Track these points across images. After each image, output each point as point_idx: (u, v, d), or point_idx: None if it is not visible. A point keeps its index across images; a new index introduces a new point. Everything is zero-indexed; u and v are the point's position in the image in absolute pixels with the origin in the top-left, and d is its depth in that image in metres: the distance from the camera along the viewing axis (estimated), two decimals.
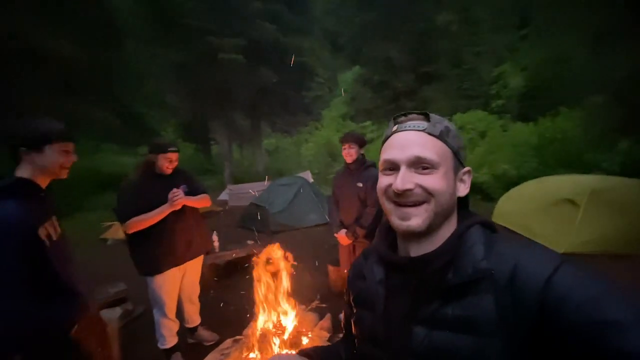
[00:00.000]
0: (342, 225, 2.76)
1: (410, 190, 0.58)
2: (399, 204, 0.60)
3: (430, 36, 7.89)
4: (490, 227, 0.62)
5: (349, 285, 0.77)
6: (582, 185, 4.89)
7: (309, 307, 2.84)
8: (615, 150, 7.48)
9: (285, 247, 2.53)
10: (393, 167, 0.61)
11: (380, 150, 0.68)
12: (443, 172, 0.59)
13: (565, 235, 4.64)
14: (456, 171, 0.62)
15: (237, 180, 10.73)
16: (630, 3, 3.47)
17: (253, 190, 7.63)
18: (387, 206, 0.63)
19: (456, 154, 0.62)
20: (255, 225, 6.05)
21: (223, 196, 9.43)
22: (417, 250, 0.62)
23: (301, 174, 8.66)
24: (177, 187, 2.12)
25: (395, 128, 0.64)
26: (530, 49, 22.19)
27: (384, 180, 0.63)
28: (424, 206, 0.59)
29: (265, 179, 9.75)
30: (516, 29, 26.50)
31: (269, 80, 9.49)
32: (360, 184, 2.59)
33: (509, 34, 25.41)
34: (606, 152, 7.74)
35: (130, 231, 2.01)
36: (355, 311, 0.72)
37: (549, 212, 5.04)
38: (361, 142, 2.61)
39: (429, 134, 0.60)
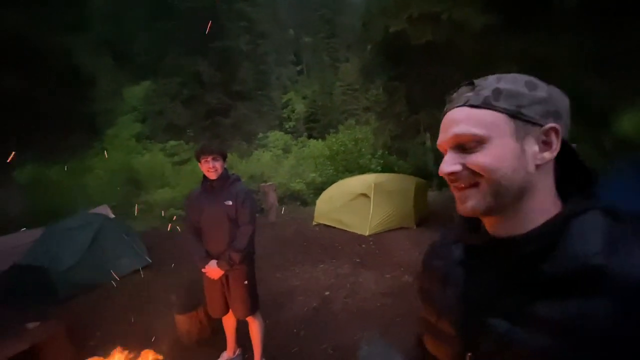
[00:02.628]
0: (209, 255, 2.28)
1: (457, 172, 0.53)
2: (457, 188, 0.55)
3: (235, 57, 8.14)
4: (614, 216, 0.49)
5: (425, 265, 0.71)
6: (367, 181, 6.49)
7: None
8: (376, 156, 10.49)
9: (95, 313, 1.80)
10: (445, 150, 0.56)
11: None
12: (495, 145, 0.51)
13: (365, 221, 6.00)
14: (524, 135, 0.51)
15: None
16: (382, 51, 4.92)
17: (10, 245, 5.01)
18: (453, 191, 0.57)
19: (516, 115, 0.51)
20: (30, 297, 3.99)
21: None
22: (503, 230, 0.54)
23: (95, 210, 6.58)
24: (223, 202, 2.25)
25: (445, 109, 0.58)
26: (306, 81, 27.55)
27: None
28: (477, 187, 0.52)
29: (22, 227, 6.69)
30: (294, 65, 32.14)
31: (19, 89, 6.62)
32: (230, 202, 2.24)
33: (289, 68, 30.45)
34: (370, 159, 10.71)
35: None
36: (428, 291, 0.66)
37: (351, 205, 6.38)
38: (224, 154, 2.27)
39: (472, 106, 0.53)
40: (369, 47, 5.15)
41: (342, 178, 8.53)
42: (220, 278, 2.31)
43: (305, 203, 9.21)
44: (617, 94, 3.69)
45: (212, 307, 2.46)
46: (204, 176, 2.30)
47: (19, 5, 6.50)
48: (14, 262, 4.40)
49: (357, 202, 6.32)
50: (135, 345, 2.44)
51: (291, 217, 7.97)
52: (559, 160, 0.53)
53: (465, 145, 0.52)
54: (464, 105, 0.54)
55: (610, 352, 0.42)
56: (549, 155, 0.52)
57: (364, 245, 5.39)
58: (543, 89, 0.53)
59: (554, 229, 0.50)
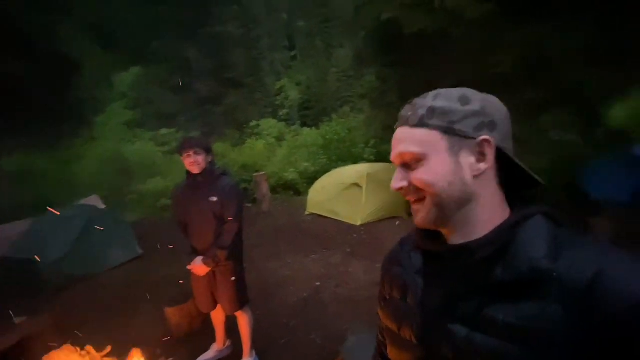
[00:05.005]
0: (195, 252, 2.26)
1: (404, 187, 0.57)
2: (410, 202, 0.59)
3: (226, 42, 7.91)
4: (555, 219, 0.53)
5: (384, 273, 0.73)
6: (360, 171, 6.48)
7: None
8: (369, 146, 10.43)
9: (85, 305, 1.79)
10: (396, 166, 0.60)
11: None
12: (432, 161, 0.54)
13: (358, 210, 6.02)
14: (459, 149, 0.53)
15: None
16: (375, 38, 4.82)
17: None
18: None
19: (449, 131, 0.53)
20: (17, 290, 3.95)
21: None
22: (458, 238, 0.57)
23: (85, 201, 6.49)
24: (208, 197, 2.19)
25: (395, 126, 0.61)
26: (300, 67, 27.07)
27: None
28: (423, 202, 0.56)
29: (9, 219, 6.58)
30: (287, 50, 31.51)
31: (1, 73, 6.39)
32: (215, 198, 2.20)
33: (282, 53, 29.83)
34: (364, 148, 10.66)
35: None
36: (388, 299, 0.68)
37: (344, 195, 6.38)
38: (207, 147, 2.21)
39: (411, 126, 0.57)
40: (362, 33, 5.04)
41: (335, 167, 8.49)
42: (207, 274, 2.30)
43: (298, 192, 9.19)
44: (609, 85, 3.69)
45: (200, 303, 2.46)
46: (188, 170, 2.24)
47: None
48: (1, 254, 4.35)
49: (350, 192, 6.33)
50: (124, 337, 2.44)
51: (284, 206, 7.96)
52: (504, 168, 0.56)
53: (409, 163, 0.56)
54: (405, 125, 0.58)
55: (564, 354, 0.44)
56: (484, 166, 0.54)
57: (355, 235, 5.43)
58: (477, 102, 0.54)
59: (503, 235, 0.52)
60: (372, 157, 10.07)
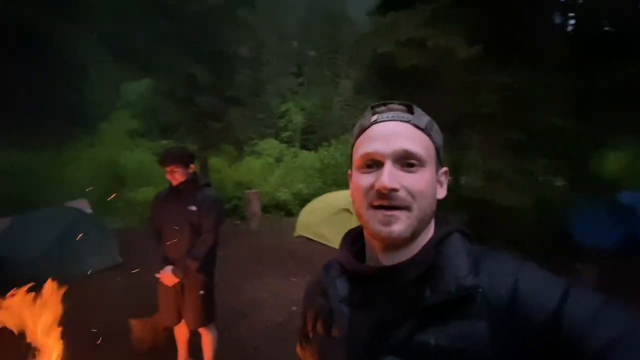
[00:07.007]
0: (166, 261, 2.22)
1: (396, 190, 0.49)
2: (386, 208, 0.50)
3: (232, 62, 8.20)
4: (468, 237, 0.55)
5: (306, 305, 0.64)
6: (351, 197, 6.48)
7: None
8: None
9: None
10: (374, 162, 0.52)
11: (354, 145, 0.57)
12: (428, 171, 0.52)
13: None
14: (437, 171, 0.55)
15: None
16: (372, 71, 5.00)
17: None
18: (366, 212, 0.52)
19: (438, 151, 0.55)
20: None
21: None
22: (391, 260, 0.53)
23: (72, 204, 6.43)
24: (187, 207, 2.20)
25: (374, 118, 0.54)
26: (306, 94, 27.89)
27: (364, 180, 0.52)
28: (406, 211, 0.50)
29: None
30: (295, 76, 32.61)
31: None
32: (194, 207, 2.20)
33: (289, 79, 30.86)
34: None
35: None
36: (311, 336, 0.61)
37: (333, 219, 6.34)
38: (186, 160, 2.23)
39: (415, 126, 0.53)
40: (359, 66, 5.23)
41: (328, 191, 8.51)
42: (174, 285, 2.24)
43: (290, 213, 9.14)
44: (594, 132, 3.79)
45: (165, 315, 2.37)
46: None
47: None
48: None
49: (339, 216, 6.29)
50: (84, 345, 2.33)
51: (273, 226, 7.89)
52: None
53: (409, 163, 0.50)
54: (407, 122, 0.53)
55: None
56: (442, 193, 0.57)
57: None
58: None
59: (429, 254, 0.51)
60: None
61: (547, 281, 0.46)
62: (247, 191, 8.05)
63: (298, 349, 0.68)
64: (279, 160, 14.29)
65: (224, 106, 7.94)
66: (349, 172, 0.59)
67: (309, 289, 0.66)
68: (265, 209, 8.89)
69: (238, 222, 8.28)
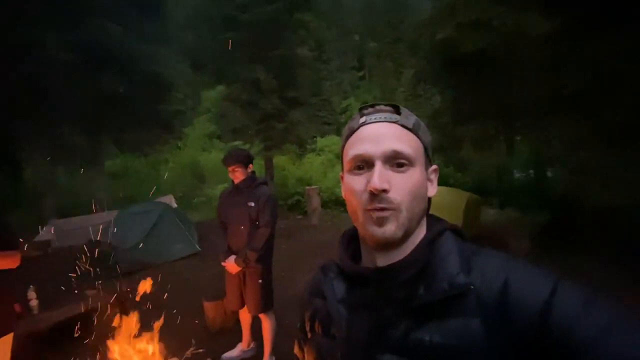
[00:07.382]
0: (230, 251, 2.48)
1: (386, 191, 0.49)
2: (375, 209, 0.50)
3: (293, 64, 8.55)
4: (460, 235, 0.55)
5: (304, 307, 0.65)
6: None
7: (184, 357, 2.38)
8: None
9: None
10: (364, 164, 0.53)
11: (343, 147, 0.59)
12: (417, 171, 0.52)
13: None
14: (426, 169, 0.56)
15: (64, 214, 8.22)
16: (433, 59, 4.71)
17: (90, 224, 6.00)
18: (360, 214, 0.52)
19: (426, 150, 0.56)
20: (97, 268, 4.72)
21: (44, 235, 7.05)
22: (385, 260, 0.53)
23: (161, 199, 7.49)
24: (247, 202, 2.42)
25: (363, 120, 0.55)
26: (367, 87, 27.42)
27: (356, 182, 0.53)
28: (397, 211, 0.50)
29: (105, 209, 7.90)
30: (356, 70, 32.29)
31: (114, 90, 7.93)
32: (252, 204, 2.42)
33: (350, 74, 30.69)
34: None
35: None
36: (310, 337, 0.61)
37: None
38: (246, 161, 2.46)
39: (403, 126, 0.54)
40: (420, 54, 4.97)
41: None
42: (238, 274, 2.48)
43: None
44: None
45: (230, 300, 2.65)
46: None
47: (117, 16, 7.82)
48: (88, 239, 5.26)
49: None
50: (167, 322, 2.73)
51: (333, 221, 8.03)
52: None
53: (398, 163, 0.51)
54: (395, 123, 0.54)
55: None
56: (432, 191, 0.57)
57: None
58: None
59: (422, 254, 0.52)
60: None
61: (537, 276, 0.46)
62: (308, 187, 8.33)
63: (296, 349, 0.69)
64: (339, 156, 14.39)
65: (285, 107, 8.37)
66: (340, 174, 0.60)
67: (308, 290, 0.66)
68: (325, 204, 9.09)
69: (300, 217, 8.64)
